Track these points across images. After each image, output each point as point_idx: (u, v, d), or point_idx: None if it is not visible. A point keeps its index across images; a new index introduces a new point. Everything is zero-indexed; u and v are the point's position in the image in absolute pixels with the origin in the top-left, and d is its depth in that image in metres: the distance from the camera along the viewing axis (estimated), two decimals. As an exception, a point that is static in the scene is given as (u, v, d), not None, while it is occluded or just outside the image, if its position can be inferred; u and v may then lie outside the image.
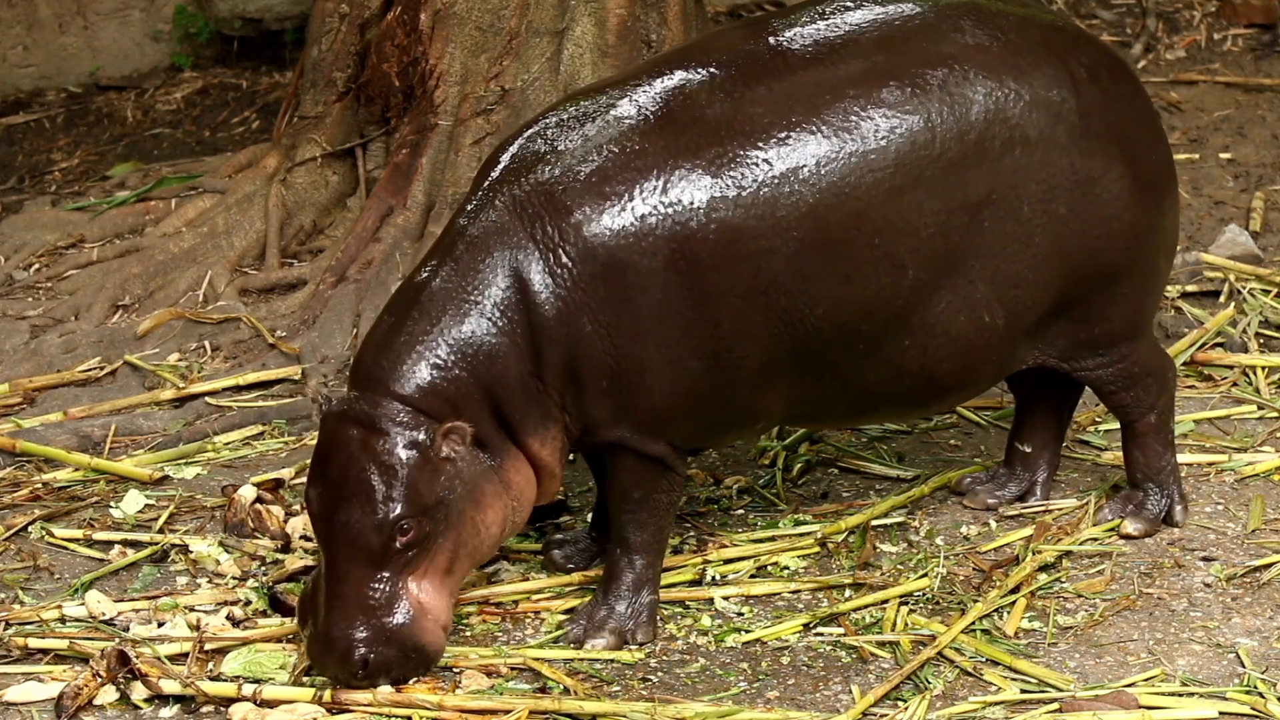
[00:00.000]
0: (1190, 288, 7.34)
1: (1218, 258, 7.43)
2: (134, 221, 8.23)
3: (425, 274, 5.16)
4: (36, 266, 8.02)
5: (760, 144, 5.11)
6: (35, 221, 8.35)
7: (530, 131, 5.23)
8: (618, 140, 5.12)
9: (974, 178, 5.22)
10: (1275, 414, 6.47)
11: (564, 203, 5.07)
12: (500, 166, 5.20)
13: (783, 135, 5.12)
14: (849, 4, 5.33)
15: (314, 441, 6.55)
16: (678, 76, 5.21)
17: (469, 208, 5.19)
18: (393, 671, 5.03)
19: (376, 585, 4.99)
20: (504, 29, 7.61)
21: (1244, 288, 7.28)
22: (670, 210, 5.07)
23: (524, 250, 5.08)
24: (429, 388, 5.03)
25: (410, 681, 5.07)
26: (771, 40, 5.26)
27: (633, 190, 5.07)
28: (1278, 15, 9.94)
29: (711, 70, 5.21)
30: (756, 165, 5.10)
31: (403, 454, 4.99)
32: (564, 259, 5.06)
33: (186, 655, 5.20)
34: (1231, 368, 6.75)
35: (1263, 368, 6.70)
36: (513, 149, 5.22)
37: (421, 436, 4.99)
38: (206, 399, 6.93)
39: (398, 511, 4.96)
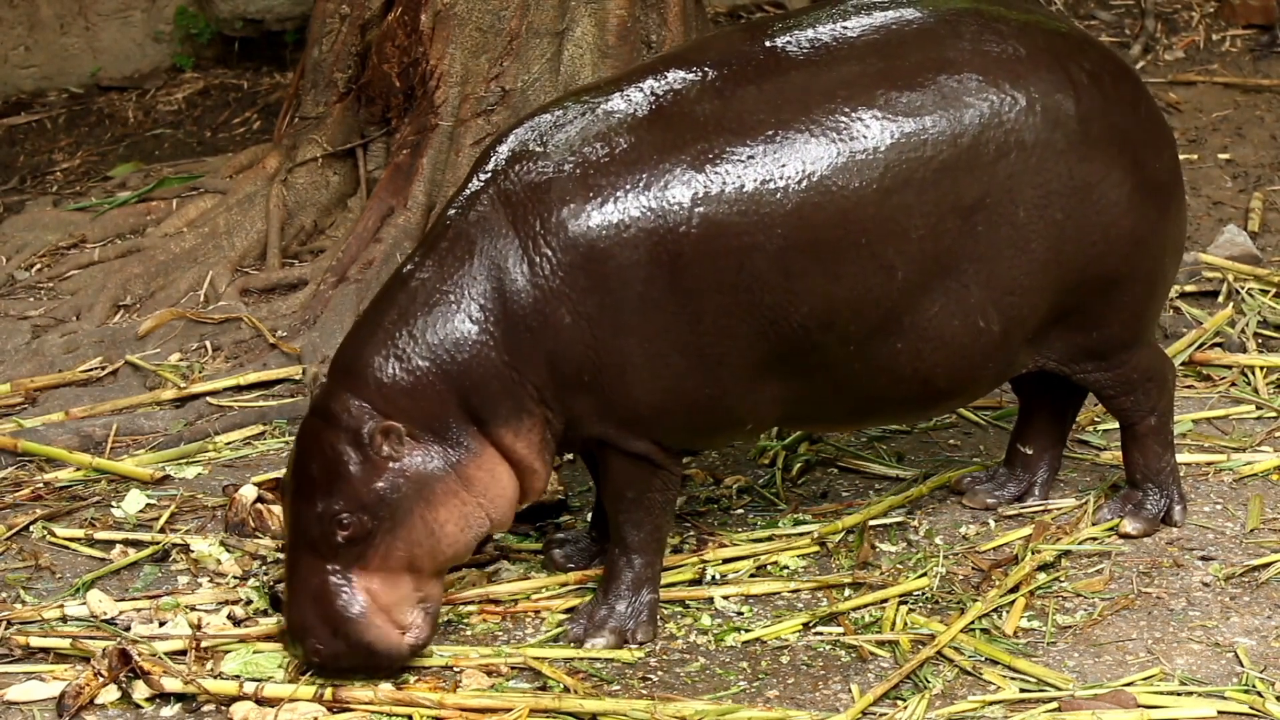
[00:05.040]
0: (1189, 288, 7.35)
1: (1216, 258, 7.45)
2: (135, 222, 8.25)
3: (407, 268, 5.20)
4: (38, 266, 8.04)
5: (747, 141, 5.12)
6: (37, 222, 8.36)
7: (521, 128, 5.26)
8: (605, 135, 5.14)
9: (966, 182, 5.21)
10: (1273, 414, 6.48)
11: (548, 194, 5.09)
12: (490, 161, 5.23)
13: (770, 133, 5.12)
14: (850, 9, 5.34)
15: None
16: (671, 76, 5.23)
17: (456, 201, 5.22)
18: (344, 665, 5.06)
19: (324, 577, 5.03)
20: (504, 30, 7.63)
21: (1242, 288, 7.30)
22: (653, 204, 5.08)
23: (505, 240, 5.10)
24: (385, 382, 5.06)
25: (370, 677, 5.08)
26: (768, 43, 5.27)
27: (616, 183, 5.09)
28: (1276, 16, 9.96)
29: (705, 70, 5.22)
30: (741, 161, 5.10)
31: (343, 448, 5.02)
32: (545, 248, 5.07)
33: (185, 654, 5.22)
34: (1230, 368, 6.76)
35: (1261, 368, 6.71)
36: (503, 145, 5.24)
37: (364, 432, 5.01)
38: (207, 399, 6.94)
39: (335, 506, 5.00)
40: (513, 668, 5.21)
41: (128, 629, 5.43)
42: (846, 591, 5.53)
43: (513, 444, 5.14)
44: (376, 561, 5.05)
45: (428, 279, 5.13)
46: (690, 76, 5.21)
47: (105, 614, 5.50)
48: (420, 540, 5.07)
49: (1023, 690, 5.05)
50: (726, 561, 5.67)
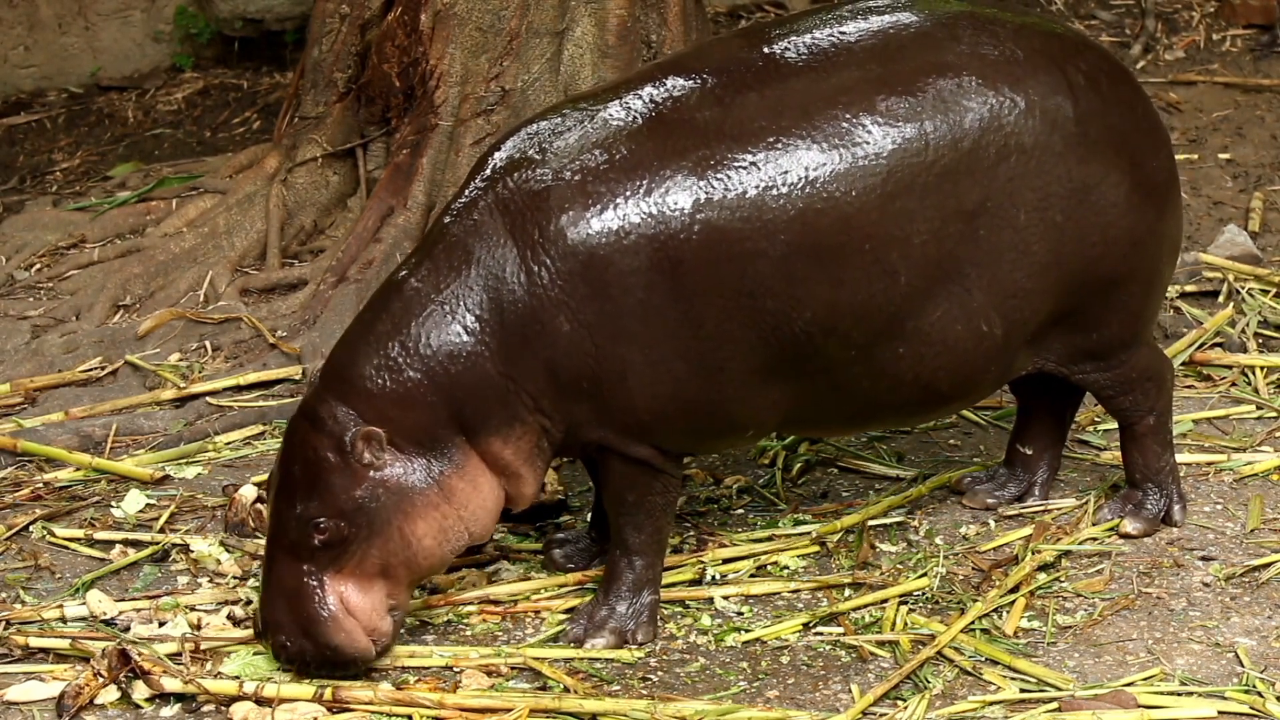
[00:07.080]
0: (1189, 288, 7.35)
1: (1216, 258, 7.45)
2: (135, 222, 8.25)
3: (402, 273, 5.19)
4: (38, 266, 8.04)
5: (748, 147, 5.11)
6: (36, 222, 8.36)
7: (518, 135, 5.25)
8: (605, 142, 5.13)
9: (968, 186, 5.21)
10: (1274, 414, 6.48)
11: (546, 201, 5.08)
12: (488, 168, 5.22)
13: (771, 139, 5.11)
14: (847, 14, 5.33)
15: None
16: (670, 82, 5.22)
17: (452, 209, 5.21)
18: (310, 663, 5.10)
19: (297, 577, 5.06)
20: (504, 29, 7.63)
21: (1243, 288, 7.30)
22: (654, 210, 5.07)
23: (503, 248, 5.09)
24: (374, 390, 5.06)
25: (329, 674, 5.11)
26: (767, 48, 5.26)
27: (616, 190, 5.08)
28: (1276, 16, 9.96)
29: (705, 76, 5.21)
30: (744, 168, 5.10)
31: (326, 455, 5.04)
32: (543, 256, 5.07)
33: (183, 654, 5.23)
34: (1230, 368, 6.76)
35: (1261, 367, 6.71)
36: (500, 152, 5.24)
37: (346, 440, 5.03)
38: (207, 399, 6.94)
39: (312, 510, 5.03)
40: (513, 668, 5.21)
41: (127, 629, 5.43)
42: (846, 591, 5.53)
43: (500, 451, 5.14)
44: (350, 567, 5.07)
45: (422, 288, 5.12)
46: (689, 83, 5.21)
47: (105, 614, 5.50)
48: (396, 550, 5.09)
49: (1023, 690, 5.05)
50: (726, 561, 5.66)
